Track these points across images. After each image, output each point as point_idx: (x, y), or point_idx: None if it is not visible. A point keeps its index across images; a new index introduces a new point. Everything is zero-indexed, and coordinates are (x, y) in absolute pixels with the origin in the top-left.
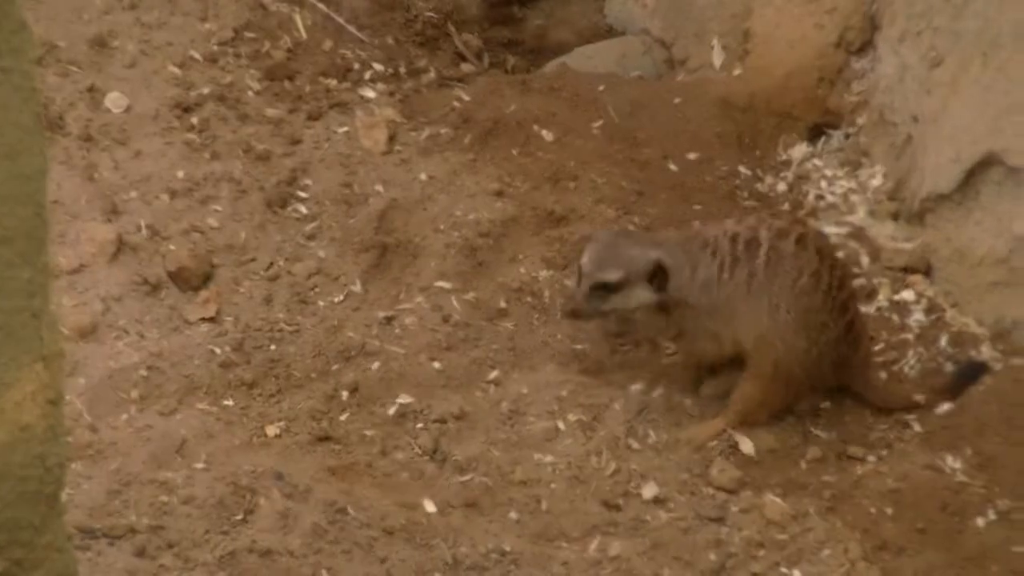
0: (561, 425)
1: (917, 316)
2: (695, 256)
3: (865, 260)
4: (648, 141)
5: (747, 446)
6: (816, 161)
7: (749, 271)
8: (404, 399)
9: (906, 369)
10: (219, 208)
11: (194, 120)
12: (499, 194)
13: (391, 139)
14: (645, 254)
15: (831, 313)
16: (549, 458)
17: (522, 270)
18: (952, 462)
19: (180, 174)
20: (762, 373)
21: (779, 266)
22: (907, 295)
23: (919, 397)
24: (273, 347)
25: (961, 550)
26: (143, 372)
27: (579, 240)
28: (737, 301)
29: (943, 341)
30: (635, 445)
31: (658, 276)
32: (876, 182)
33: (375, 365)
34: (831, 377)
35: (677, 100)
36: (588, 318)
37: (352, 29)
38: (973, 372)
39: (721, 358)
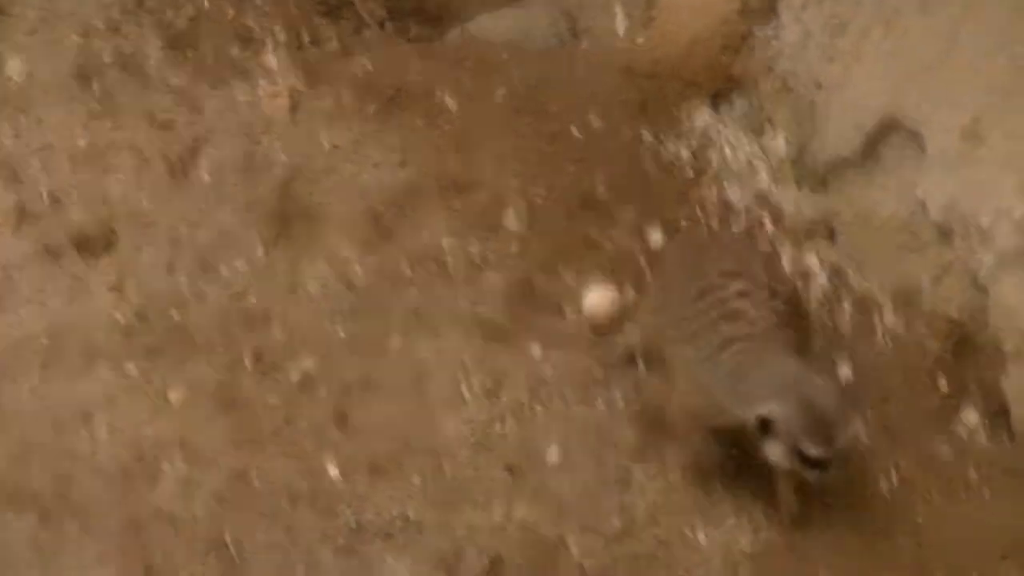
0: (465, 391)
1: (820, 281)
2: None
3: (768, 225)
4: (552, 109)
5: None
6: (720, 128)
7: None
8: (308, 366)
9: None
10: (122, 176)
11: (96, 88)
12: (403, 163)
13: (294, 108)
14: None
15: None
16: (453, 424)
17: (426, 237)
18: (857, 429)
19: (82, 142)
20: None
21: None
22: (810, 260)
23: None
24: (176, 314)
25: (868, 518)
26: (45, 340)
27: None
28: None
29: (846, 305)
30: (539, 410)
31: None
32: (779, 148)
33: (278, 332)
34: None
35: (581, 68)
36: None
37: None
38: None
39: None
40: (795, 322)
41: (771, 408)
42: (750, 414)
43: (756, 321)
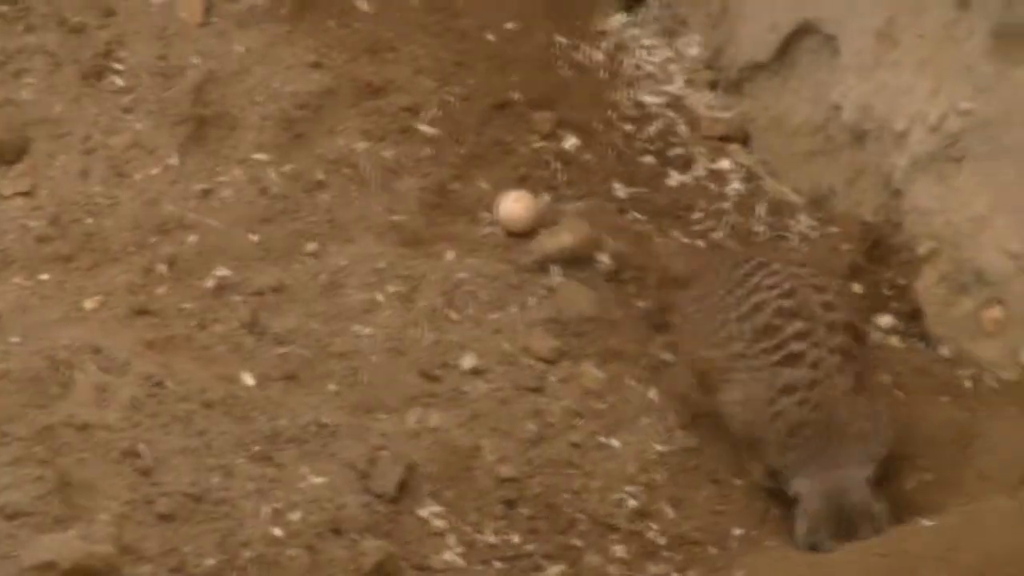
0: (380, 297)
1: (735, 185)
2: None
3: (683, 129)
4: (466, 11)
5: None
6: (634, 31)
7: None
8: (222, 272)
9: (724, 237)
10: (33, 81)
11: None
12: (316, 66)
13: (207, 10)
14: None
15: None
16: (368, 330)
17: (340, 142)
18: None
19: None
20: None
21: None
22: (725, 164)
23: None
24: (90, 221)
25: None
26: None
27: None
28: None
29: (761, 209)
30: (454, 316)
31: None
32: (694, 51)
33: (193, 238)
34: None
35: None
36: None
37: None
38: None
39: None
40: (855, 351)
41: (804, 488)
42: (785, 476)
43: (818, 364)
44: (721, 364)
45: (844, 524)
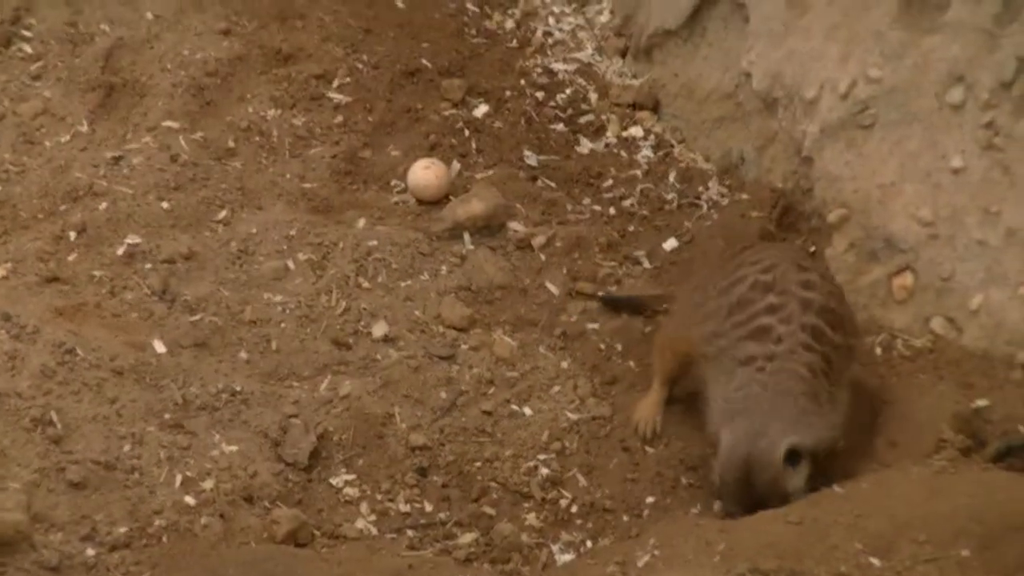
0: (291, 264)
1: (645, 152)
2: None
3: (593, 97)
4: None
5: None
6: None
7: None
8: (132, 239)
9: (635, 204)
10: None
11: None
12: (226, 32)
13: None
14: None
15: None
16: (279, 297)
17: (250, 109)
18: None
19: None
20: None
21: None
22: (635, 131)
23: None
24: None
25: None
26: None
27: None
28: None
29: (671, 176)
30: (365, 284)
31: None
32: (603, 18)
33: (103, 205)
34: None
35: None
36: None
37: None
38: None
39: None
40: (828, 334)
41: (724, 440)
42: (717, 422)
43: (783, 338)
44: (698, 343)
45: (747, 488)
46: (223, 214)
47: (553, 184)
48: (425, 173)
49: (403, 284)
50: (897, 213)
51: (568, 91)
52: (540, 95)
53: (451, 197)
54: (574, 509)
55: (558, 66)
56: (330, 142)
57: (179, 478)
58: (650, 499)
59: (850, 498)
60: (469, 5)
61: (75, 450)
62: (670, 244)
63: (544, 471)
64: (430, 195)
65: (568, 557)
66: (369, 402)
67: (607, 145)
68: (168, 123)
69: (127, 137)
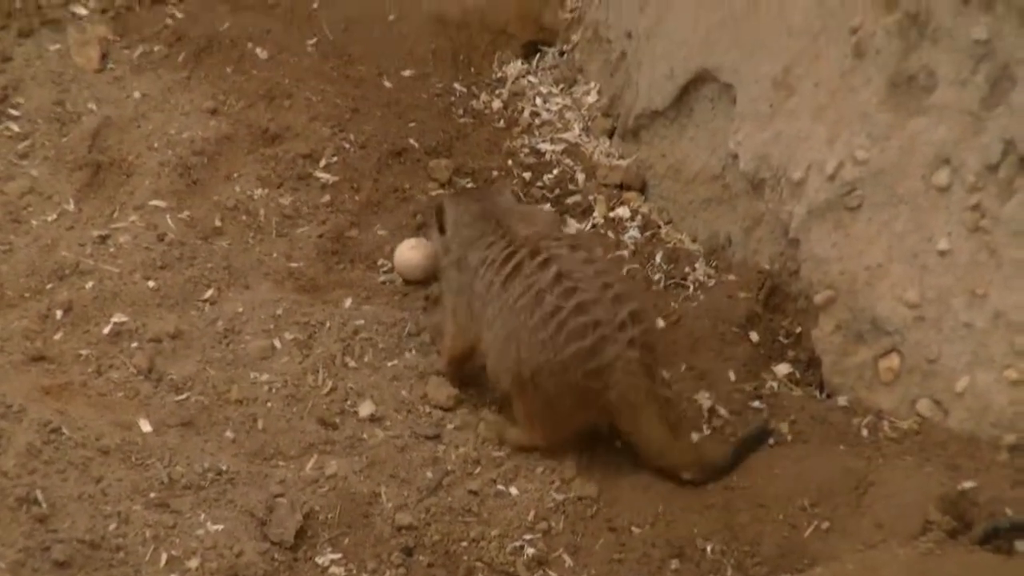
0: (277, 343)
1: (632, 233)
2: (485, 232)
3: (580, 177)
4: (363, 58)
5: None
6: (531, 78)
7: (493, 278)
8: (119, 318)
9: None
10: None
11: None
12: (213, 112)
13: (104, 57)
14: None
15: (556, 336)
16: (265, 377)
17: (237, 188)
18: (667, 375)
19: None
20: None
21: (513, 282)
22: (622, 212)
23: (687, 475)
24: None
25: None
26: None
27: None
28: (478, 300)
29: (658, 257)
30: (351, 363)
31: (439, 217)
32: (591, 99)
33: (89, 284)
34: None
35: (392, 16)
36: None
37: None
38: (758, 439)
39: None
40: None
41: None
42: None
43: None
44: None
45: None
46: (209, 293)
47: None
48: (411, 253)
49: (389, 364)
50: (884, 295)
51: (555, 171)
52: (527, 175)
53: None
54: None
55: (545, 146)
56: (317, 221)
57: (164, 557)
58: None
59: None
60: (457, 85)
61: (60, 529)
62: (657, 325)
63: (530, 551)
64: (416, 275)
65: None
66: (355, 481)
67: (594, 225)
68: (155, 202)
69: (114, 216)
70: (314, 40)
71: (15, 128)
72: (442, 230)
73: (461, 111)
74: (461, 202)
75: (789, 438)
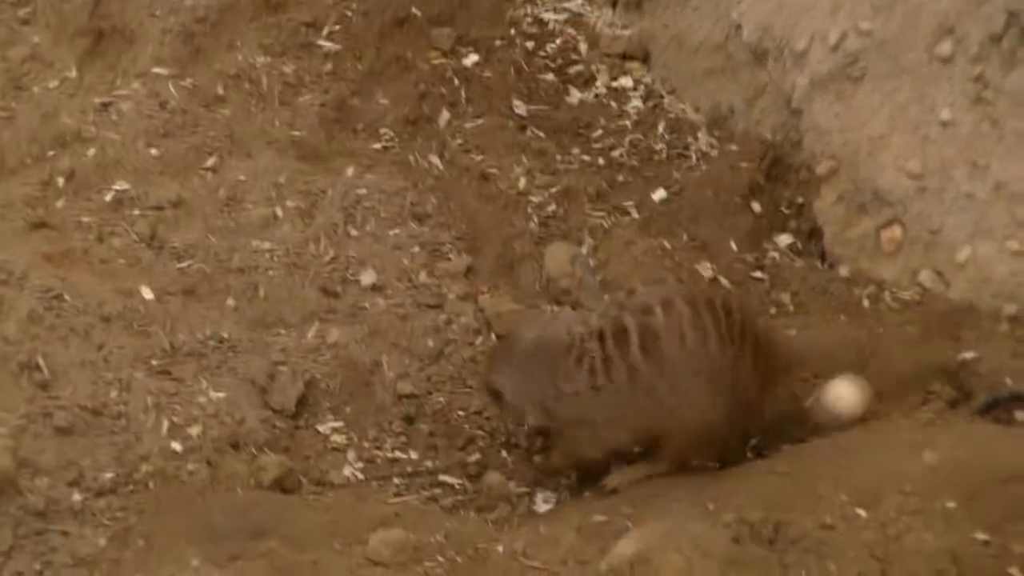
0: (279, 212)
1: (635, 103)
2: (557, 367)
3: (583, 47)
4: None
5: None
6: None
7: (628, 366)
8: (120, 185)
9: (624, 155)
10: None
11: None
12: None
13: None
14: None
15: (730, 347)
16: (267, 245)
17: (240, 56)
18: (668, 245)
19: None
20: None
21: (658, 344)
22: (625, 82)
23: None
24: None
25: None
26: None
27: None
28: (625, 400)
29: (661, 127)
30: (353, 232)
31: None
32: None
33: (91, 151)
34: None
35: None
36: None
37: None
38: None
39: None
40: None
41: None
42: None
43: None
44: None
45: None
46: (212, 161)
47: (542, 134)
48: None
49: (391, 232)
50: (886, 166)
51: (558, 41)
52: (530, 45)
53: None
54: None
55: (548, 16)
56: (319, 90)
57: (166, 424)
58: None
59: (837, 449)
60: None
61: (62, 395)
62: (659, 195)
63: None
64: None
65: (549, 507)
66: (357, 350)
67: (596, 95)
68: (157, 70)
69: (116, 83)
70: None
71: None
72: (503, 403)
73: None
74: (503, 371)
75: (791, 308)
